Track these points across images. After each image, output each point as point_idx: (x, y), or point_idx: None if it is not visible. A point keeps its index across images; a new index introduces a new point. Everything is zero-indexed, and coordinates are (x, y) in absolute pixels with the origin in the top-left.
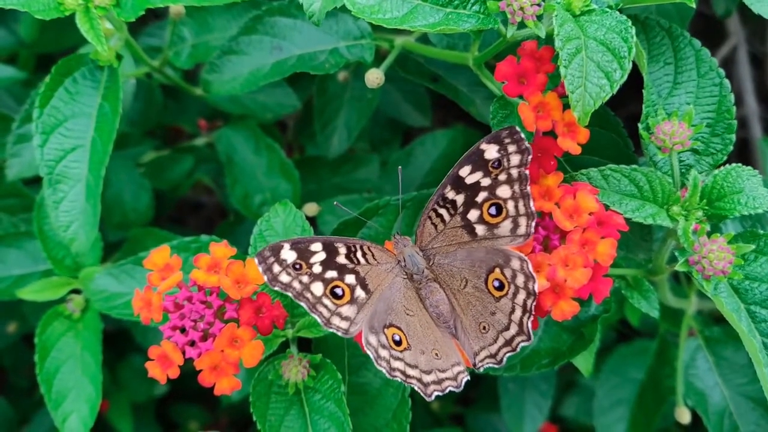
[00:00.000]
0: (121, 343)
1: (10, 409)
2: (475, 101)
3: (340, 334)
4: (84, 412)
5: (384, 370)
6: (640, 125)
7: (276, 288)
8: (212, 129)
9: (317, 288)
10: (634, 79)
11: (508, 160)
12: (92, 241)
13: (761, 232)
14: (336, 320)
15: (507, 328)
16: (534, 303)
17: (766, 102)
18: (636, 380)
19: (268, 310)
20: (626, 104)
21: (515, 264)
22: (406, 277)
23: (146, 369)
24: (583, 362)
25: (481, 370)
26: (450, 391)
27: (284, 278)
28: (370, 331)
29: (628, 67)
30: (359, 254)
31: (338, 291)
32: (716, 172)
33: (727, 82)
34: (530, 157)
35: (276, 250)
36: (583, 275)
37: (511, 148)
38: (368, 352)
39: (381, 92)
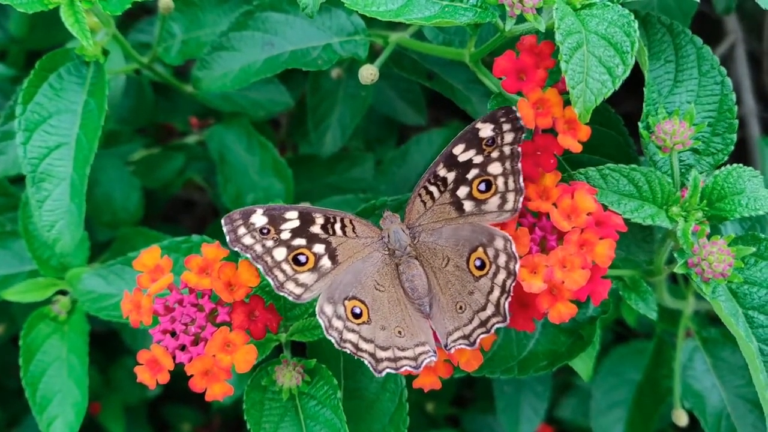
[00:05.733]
0: (113, 344)
1: None
2: (472, 99)
3: (291, 298)
4: (70, 417)
5: (334, 340)
6: (640, 124)
7: (236, 249)
8: (204, 127)
9: (280, 253)
10: (627, 79)
11: (502, 138)
12: (77, 241)
13: (762, 236)
14: (291, 285)
15: (483, 309)
16: (513, 283)
17: (764, 101)
18: (633, 381)
19: (261, 314)
20: (619, 104)
21: (499, 243)
22: (386, 253)
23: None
24: (583, 366)
25: (452, 350)
26: (405, 371)
27: (247, 240)
28: (327, 301)
29: (631, 62)
30: (337, 226)
31: (302, 258)
32: (717, 172)
33: (728, 80)
34: (524, 134)
35: (247, 214)
36: (581, 277)
37: (506, 126)
38: (320, 321)
39: (375, 90)
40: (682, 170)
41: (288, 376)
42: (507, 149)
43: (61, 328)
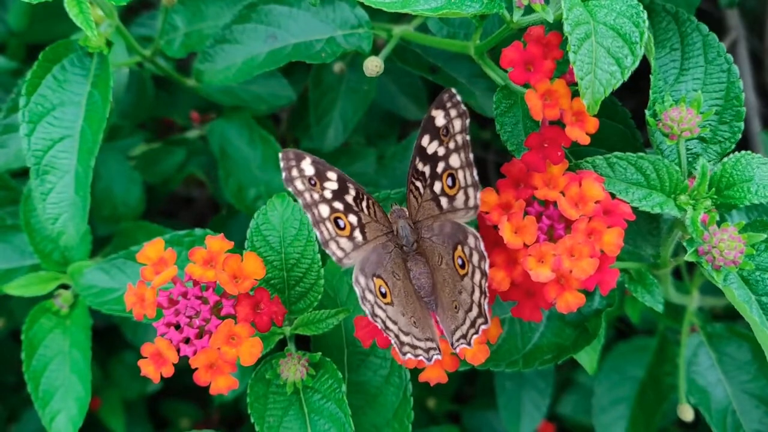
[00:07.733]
0: (113, 339)
1: None
2: (475, 93)
3: (333, 259)
4: (72, 411)
5: (367, 312)
6: (647, 112)
7: (289, 188)
8: (205, 121)
9: (324, 209)
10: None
11: (453, 126)
12: (81, 235)
13: None
14: (333, 246)
15: (470, 309)
16: (486, 283)
17: (765, 97)
18: (636, 378)
19: (266, 306)
20: (620, 101)
21: (471, 241)
22: (397, 246)
23: (138, 366)
24: (587, 359)
25: (457, 350)
26: (420, 360)
27: (299, 185)
28: (360, 272)
29: (640, 52)
30: (364, 204)
31: (341, 223)
32: (725, 159)
33: (735, 68)
34: (468, 120)
35: (299, 157)
36: (589, 265)
37: (453, 112)
38: (356, 289)
39: (377, 85)
40: (689, 159)
41: (292, 370)
42: (459, 138)
43: (63, 323)
